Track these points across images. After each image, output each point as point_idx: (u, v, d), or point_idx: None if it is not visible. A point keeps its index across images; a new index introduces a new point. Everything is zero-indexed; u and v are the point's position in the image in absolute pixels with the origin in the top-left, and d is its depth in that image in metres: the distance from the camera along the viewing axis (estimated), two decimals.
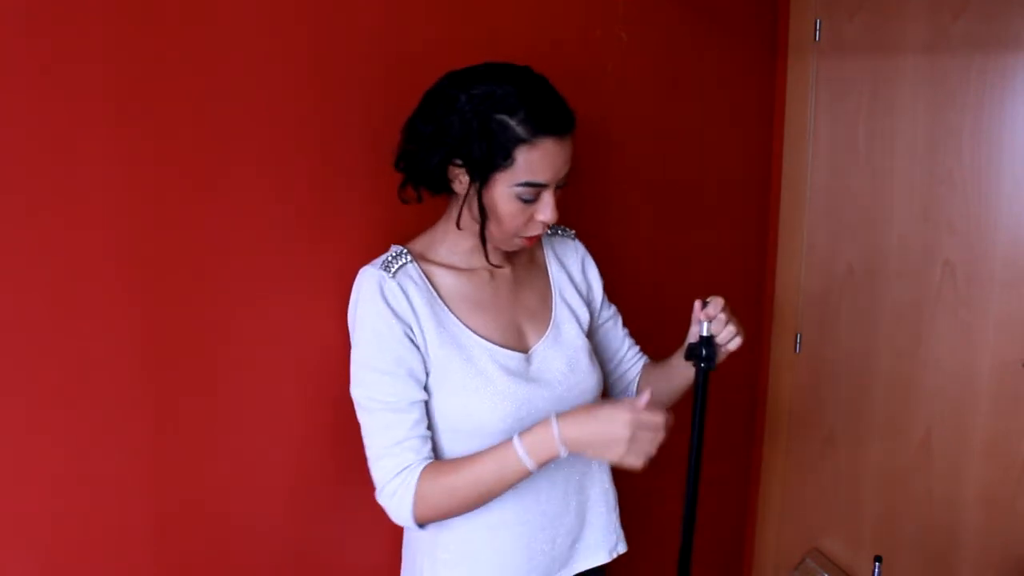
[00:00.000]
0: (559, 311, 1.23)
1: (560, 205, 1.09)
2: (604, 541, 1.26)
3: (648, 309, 1.72)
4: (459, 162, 1.05)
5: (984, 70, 1.97)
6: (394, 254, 1.13)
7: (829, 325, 2.28)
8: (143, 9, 0.94)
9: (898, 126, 2.10)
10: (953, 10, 1.98)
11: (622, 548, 1.29)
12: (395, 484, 1.07)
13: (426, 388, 1.11)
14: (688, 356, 1.18)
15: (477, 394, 1.10)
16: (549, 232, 1.30)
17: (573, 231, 1.33)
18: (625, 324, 1.37)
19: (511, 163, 1.03)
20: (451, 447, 1.12)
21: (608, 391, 1.36)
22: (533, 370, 1.16)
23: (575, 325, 1.23)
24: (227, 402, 1.09)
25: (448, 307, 1.13)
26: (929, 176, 2.07)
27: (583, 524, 1.23)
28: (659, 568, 1.70)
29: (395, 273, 1.10)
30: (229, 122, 1.04)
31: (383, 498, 1.09)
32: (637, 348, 1.38)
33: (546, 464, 1.06)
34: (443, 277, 1.15)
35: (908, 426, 2.18)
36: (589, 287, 1.31)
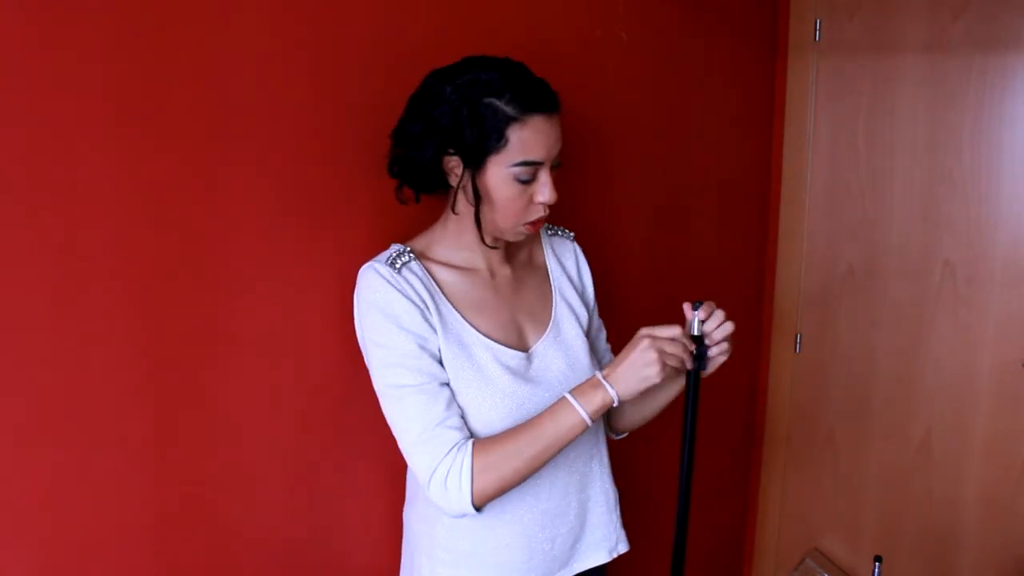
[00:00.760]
0: (559, 310, 1.23)
1: (557, 186, 1.09)
2: (604, 541, 1.26)
3: (648, 309, 1.72)
4: (452, 151, 1.06)
5: (984, 70, 1.97)
6: (396, 252, 1.12)
7: (829, 325, 2.28)
8: (143, 9, 0.94)
9: (898, 126, 2.10)
10: (953, 10, 1.98)
11: (623, 548, 1.29)
12: (447, 464, 1.03)
13: None
14: None
15: (479, 392, 1.10)
16: (549, 232, 1.30)
17: (572, 233, 1.33)
18: (625, 324, 1.37)
19: (504, 144, 1.04)
20: None
21: None
22: (533, 369, 1.16)
23: (575, 324, 1.23)
24: (227, 402, 1.09)
25: (451, 304, 1.13)
26: (929, 176, 2.07)
27: (583, 524, 1.23)
28: (659, 568, 1.70)
29: (399, 269, 1.10)
30: (229, 122, 1.05)
31: (434, 485, 1.04)
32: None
33: (600, 415, 1.07)
34: (444, 275, 1.15)
35: (908, 426, 2.18)
36: (584, 289, 1.31)
